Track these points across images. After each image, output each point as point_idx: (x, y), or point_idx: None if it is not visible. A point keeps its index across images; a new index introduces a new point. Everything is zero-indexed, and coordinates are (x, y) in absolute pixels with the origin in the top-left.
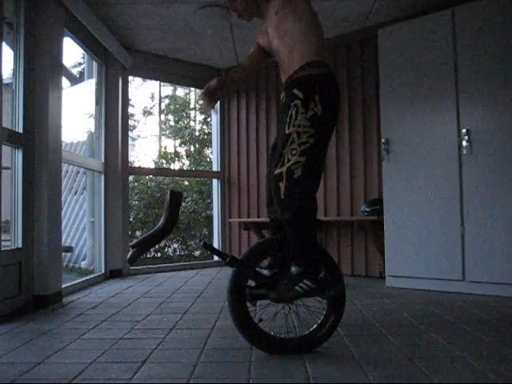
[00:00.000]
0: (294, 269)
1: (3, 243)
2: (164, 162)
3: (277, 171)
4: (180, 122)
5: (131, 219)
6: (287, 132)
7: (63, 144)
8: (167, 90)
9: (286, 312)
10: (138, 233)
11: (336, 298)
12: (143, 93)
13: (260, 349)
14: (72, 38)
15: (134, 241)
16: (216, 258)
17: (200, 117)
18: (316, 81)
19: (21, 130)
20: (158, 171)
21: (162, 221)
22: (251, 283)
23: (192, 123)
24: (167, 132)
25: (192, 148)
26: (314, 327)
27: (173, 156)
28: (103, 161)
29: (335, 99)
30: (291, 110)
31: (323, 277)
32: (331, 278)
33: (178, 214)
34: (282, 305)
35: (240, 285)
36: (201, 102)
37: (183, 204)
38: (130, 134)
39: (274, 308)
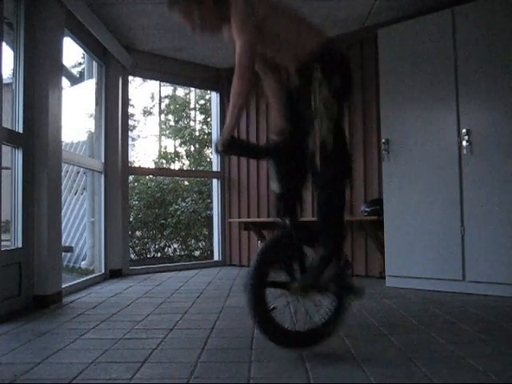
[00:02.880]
0: (322, 252)
1: (3, 243)
2: (164, 161)
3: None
4: (180, 122)
5: (131, 219)
6: (314, 106)
7: (63, 144)
8: (167, 89)
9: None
10: (137, 233)
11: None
12: (143, 93)
13: (256, 323)
14: (72, 38)
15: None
16: (216, 258)
17: (200, 117)
18: (334, 59)
19: (21, 130)
20: (158, 171)
21: (267, 144)
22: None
23: (192, 123)
24: (167, 132)
25: (192, 148)
26: (309, 329)
27: (173, 156)
28: (103, 161)
29: (349, 70)
30: (314, 85)
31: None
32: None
33: (283, 150)
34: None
35: (282, 243)
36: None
37: (183, 204)
38: (130, 133)
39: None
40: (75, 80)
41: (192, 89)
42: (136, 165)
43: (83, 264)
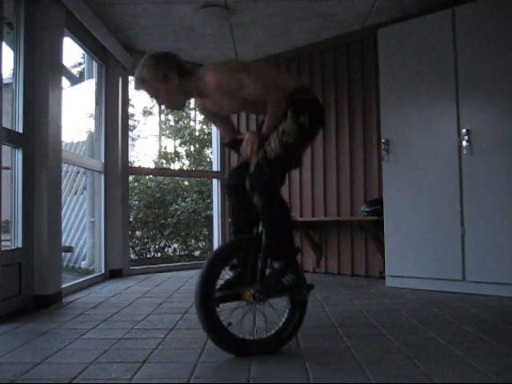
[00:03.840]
0: (275, 264)
1: (3, 243)
2: (164, 161)
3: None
4: (180, 122)
5: (131, 219)
6: (278, 128)
7: (63, 144)
8: None
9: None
10: (137, 233)
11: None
12: (143, 93)
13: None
14: (72, 38)
15: None
16: None
17: (200, 117)
18: (306, 102)
19: (21, 130)
20: (158, 171)
21: None
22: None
23: (192, 123)
24: (167, 132)
25: (192, 148)
26: (280, 326)
27: (173, 156)
28: (103, 161)
29: (322, 120)
30: (283, 118)
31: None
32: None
33: None
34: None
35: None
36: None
37: (183, 204)
38: (130, 133)
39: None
40: (75, 80)
41: None
42: (136, 165)
43: (83, 264)
